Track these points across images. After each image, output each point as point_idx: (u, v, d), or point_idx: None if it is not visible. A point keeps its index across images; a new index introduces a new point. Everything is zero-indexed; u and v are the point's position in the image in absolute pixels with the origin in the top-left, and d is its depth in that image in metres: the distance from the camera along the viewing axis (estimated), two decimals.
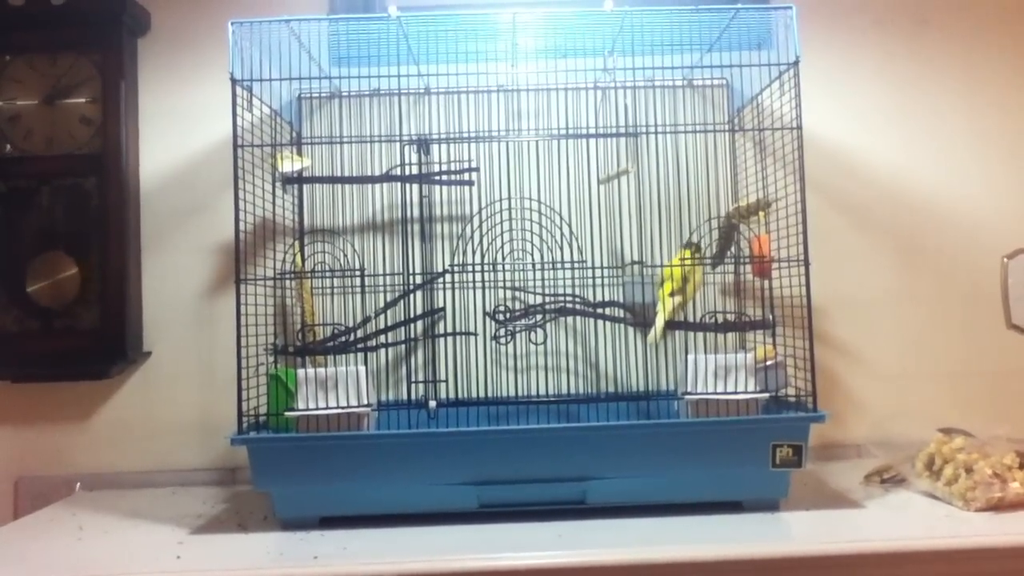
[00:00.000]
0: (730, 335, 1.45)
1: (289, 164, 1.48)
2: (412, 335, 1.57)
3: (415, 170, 1.56)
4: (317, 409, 1.30)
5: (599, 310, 1.48)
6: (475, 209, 1.49)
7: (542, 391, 1.60)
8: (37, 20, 1.59)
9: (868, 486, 1.40)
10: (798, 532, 1.20)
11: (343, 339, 1.41)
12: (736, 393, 1.30)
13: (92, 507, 1.47)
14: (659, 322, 1.37)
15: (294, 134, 1.62)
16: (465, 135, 1.58)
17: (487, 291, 1.52)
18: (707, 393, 1.31)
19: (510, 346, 1.51)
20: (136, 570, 1.14)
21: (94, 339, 1.57)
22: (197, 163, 1.67)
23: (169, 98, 1.68)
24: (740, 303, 1.62)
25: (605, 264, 1.58)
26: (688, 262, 1.40)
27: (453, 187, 1.61)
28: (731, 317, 1.41)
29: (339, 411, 1.29)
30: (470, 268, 1.44)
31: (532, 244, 1.44)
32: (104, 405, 1.65)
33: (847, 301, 1.66)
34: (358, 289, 1.53)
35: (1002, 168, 1.69)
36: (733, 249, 1.46)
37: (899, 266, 1.68)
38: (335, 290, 1.55)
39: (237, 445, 1.27)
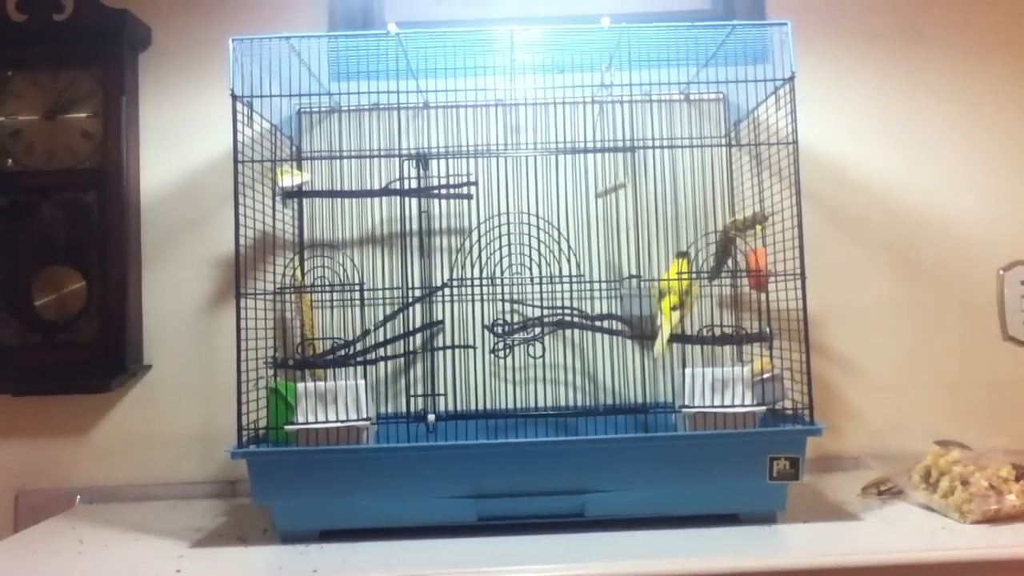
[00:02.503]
0: (727, 348, 1.46)
1: (289, 178, 1.49)
2: (411, 348, 1.58)
3: (414, 184, 1.57)
4: (316, 422, 1.30)
5: (597, 323, 1.49)
6: (474, 223, 1.50)
7: (541, 404, 1.61)
8: (39, 36, 1.60)
9: (865, 498, 1.41)
10: (795, 544, 1.20)
11: (342, 352, 1.41)
12: (733, 406, 1.31)
13: (92, 520, 1.47)
14: (663, 335, 1.37)
15: (294, 149, 1.63)
16: (464, 149, 1.59)
17: (486, 304, 1.53)
18: (704, 406, 1.31)
19: (509, 359, 1.51)
20: None
21: (94, 352, 1.58)
22: (197, 178, 1.68)
23: (170, 113, 1.69)
24: (737, 316, 1.62)
25: (603, 277, 1.59)
26: (685, 274, 1.40)
27: (452, 201, 1.62)
28: (728, 330, 1.41)
29: (338, 424, 1.30)
30: (469, 282, 1.44)
31: (530, 258, 1.45)
32: (104, 418, 1.65)
33: (844, 313, 1.67)
34: (357, 303, 1.54)
35: (998, 180, 1.70)
36: (730, 262, 1.47)
37: (895, 278, 1.68)
38: (335, 304, 1.56)
39: (237, 458, 1.27)
